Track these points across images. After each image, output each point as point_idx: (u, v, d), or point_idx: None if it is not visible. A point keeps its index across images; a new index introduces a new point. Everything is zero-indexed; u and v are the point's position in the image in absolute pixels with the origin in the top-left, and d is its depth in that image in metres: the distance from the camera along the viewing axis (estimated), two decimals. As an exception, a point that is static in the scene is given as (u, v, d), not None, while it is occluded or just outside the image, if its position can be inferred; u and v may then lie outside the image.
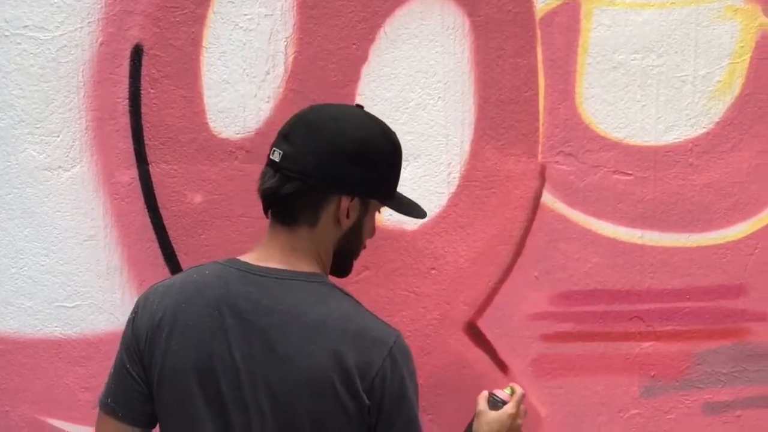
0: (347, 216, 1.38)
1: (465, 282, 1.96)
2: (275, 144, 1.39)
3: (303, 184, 1.34)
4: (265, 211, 1.42)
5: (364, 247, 1.49)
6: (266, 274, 1.36)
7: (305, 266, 1.38)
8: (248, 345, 1.32)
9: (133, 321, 1.40)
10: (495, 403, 1.56)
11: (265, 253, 1.39)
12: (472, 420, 1.57)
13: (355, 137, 1.37)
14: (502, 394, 1.57)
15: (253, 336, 1.32)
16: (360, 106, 1.46)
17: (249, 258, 1.40)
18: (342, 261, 1.46)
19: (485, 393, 1.59)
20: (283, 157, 1.35)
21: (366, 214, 1.43)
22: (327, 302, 1.35)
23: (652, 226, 1.96)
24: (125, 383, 1.39)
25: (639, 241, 1.96)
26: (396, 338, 1.36)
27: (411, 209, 1.51)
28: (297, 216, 1.37)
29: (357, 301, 1.41)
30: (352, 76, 1.89)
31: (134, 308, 1.42)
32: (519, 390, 1.58)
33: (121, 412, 1.39)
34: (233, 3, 1.86)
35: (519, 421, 1.56)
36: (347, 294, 1.41)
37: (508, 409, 1.54)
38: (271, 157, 1.38)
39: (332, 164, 1.34)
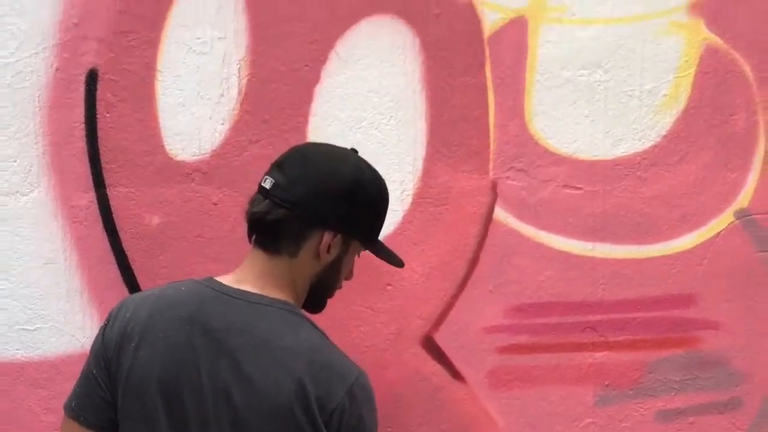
0: (327, 251, 1.42)
1: (420, 297, 1.99)
2: (268, 173, 1.43)
3: (289, 212, 1.38)
4: (249, 237, 1.45)
5: (340, 287, 1.53)
6: (241, 297, 1.39)
7: (280, 294, 1.41)
8: (215, 363, 1.35)
9: (104, 329, 1.43)
10: None
11: (243, 276, 1.42)
12: None
13: (348, 177, 1.41)
14: None
15: (222, 355, 1.35)
16: (354, 150, 1.50)
17: (226, 279, 1.43)
18: (316, 296, 1.49)
19: None
20: (274, 185, 1.39)
21: (346, 253, 1.47)
22: (297, 332, 1.38)
23: (603, 238, 1.99)
24: (90, 389, 1.42)
25: (590, 254, 1.99)
26: (358, 376, 1.38)
27: (390, 256, 1.56)
28: (279, 244, 1.40)
29: (326, 335, 1.44)
30: (305, 97, 1.92)
31: (107, 316, 1.44)
32: None
33: (83, 416, 1.42)
34: (186, 26, 1.88)
35: None
36: (317, 327, 1.44)
37: None
38: (262, 184, 1.42)
39: (321, 198, 1.38)
